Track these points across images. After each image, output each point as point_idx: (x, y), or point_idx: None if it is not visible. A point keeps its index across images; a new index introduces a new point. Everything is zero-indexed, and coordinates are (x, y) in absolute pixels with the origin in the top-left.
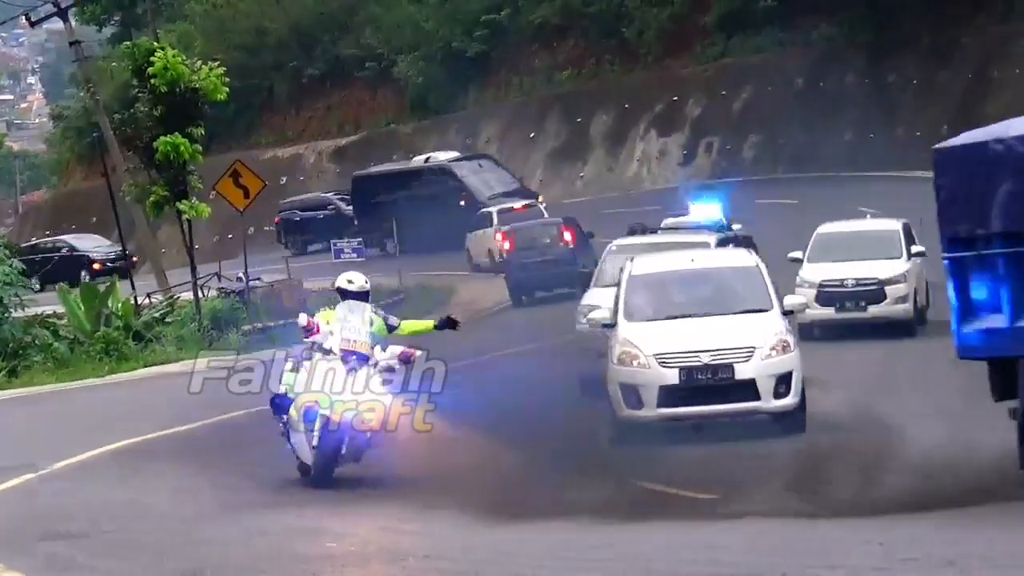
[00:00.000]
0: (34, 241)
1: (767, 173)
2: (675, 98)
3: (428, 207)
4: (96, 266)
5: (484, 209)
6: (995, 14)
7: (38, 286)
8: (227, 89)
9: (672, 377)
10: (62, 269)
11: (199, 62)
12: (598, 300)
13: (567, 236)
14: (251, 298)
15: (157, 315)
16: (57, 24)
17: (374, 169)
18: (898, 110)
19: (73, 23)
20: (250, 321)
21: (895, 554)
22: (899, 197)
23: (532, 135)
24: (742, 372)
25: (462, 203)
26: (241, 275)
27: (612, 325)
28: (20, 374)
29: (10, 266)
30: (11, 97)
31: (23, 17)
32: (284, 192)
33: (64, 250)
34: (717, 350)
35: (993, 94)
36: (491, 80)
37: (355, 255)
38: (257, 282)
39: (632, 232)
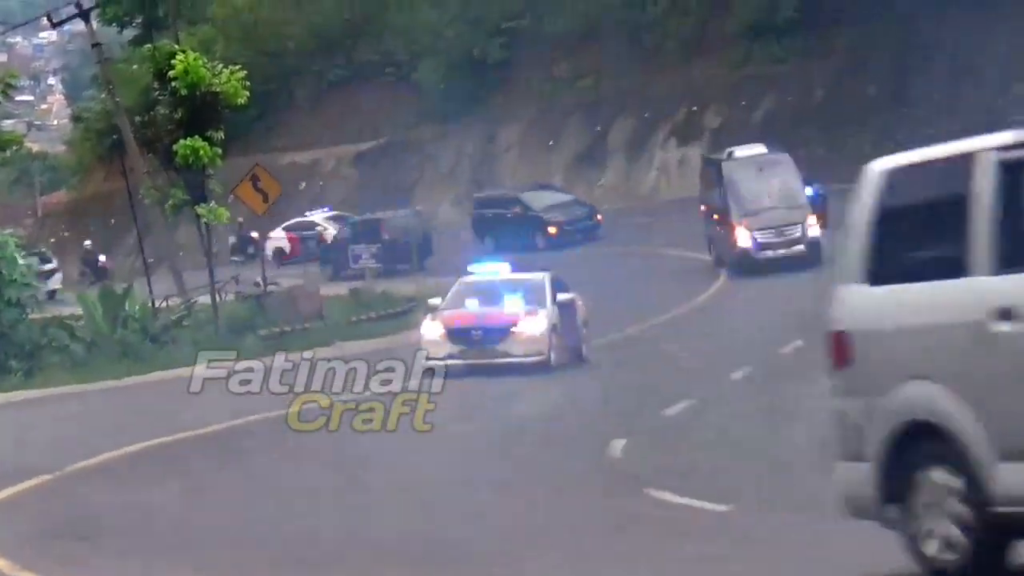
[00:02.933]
0: (486, 193)
1: None
2: (695, 107)
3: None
4: (552, 230)
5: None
6: (1020, 28)
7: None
8: (247, 93)
9: None
10: (512, 231)
11: (220, 65)
12: None
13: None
14: (268, 303)
15: (174, 318)
16: (78, 26)
17: (716, 155)
18: (920, 122)
19: (95, 24)
20: (267, 326)
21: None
22: None
23: (551, 142)
24: None
25: (715, 216)
26: (259, 280)
27: None
28: (36, 375)
29: (28, 267)
30: (31, 98)
31: (44, 18)
32: (301, 199)
33: (515, 208)
34: None
35: (1018, 107)
36: (511, 87)
37: (372, 260)
38: (274, 287)
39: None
